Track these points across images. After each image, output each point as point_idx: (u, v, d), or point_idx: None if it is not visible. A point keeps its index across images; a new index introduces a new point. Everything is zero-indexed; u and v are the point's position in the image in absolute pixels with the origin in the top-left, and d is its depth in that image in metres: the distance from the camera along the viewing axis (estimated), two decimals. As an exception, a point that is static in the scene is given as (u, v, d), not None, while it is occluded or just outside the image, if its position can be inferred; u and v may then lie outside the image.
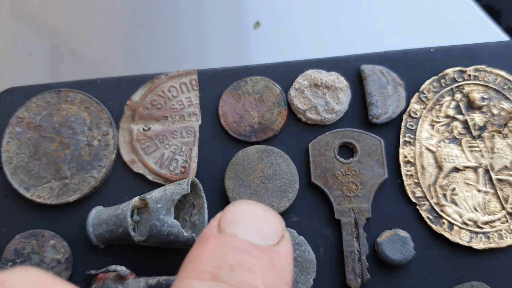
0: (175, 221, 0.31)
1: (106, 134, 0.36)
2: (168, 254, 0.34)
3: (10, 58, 0.50)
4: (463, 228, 0.33)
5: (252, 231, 0.19)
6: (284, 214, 0.34)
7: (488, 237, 0.33)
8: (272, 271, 0.18)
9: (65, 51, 0.49)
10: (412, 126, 0.35)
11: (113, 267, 0.32)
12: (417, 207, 0.34)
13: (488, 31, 0.42)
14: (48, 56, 0.49)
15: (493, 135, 0.34)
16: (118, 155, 0.36)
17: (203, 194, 0.34)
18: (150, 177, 0.35)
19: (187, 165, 0.35)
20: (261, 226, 0.20)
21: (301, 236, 0.34)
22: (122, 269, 0.32)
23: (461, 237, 0.33)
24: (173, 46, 0.42)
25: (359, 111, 0.35)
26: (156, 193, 0.33)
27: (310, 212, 0.34)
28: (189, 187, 0.32)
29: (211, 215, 0.34)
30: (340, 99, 0.35)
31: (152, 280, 0.32)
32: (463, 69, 0.35)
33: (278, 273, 0.18)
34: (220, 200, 0.35)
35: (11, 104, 0.38)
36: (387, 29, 0.39)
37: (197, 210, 0.34)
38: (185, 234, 0.31)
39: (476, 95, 0.35)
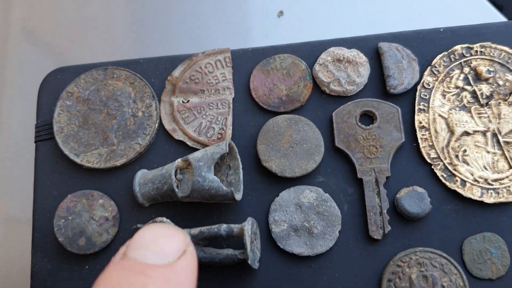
0: (215, 177, 0.35)
1: (149, 106, 0.40)
2: (207, 209, 0.38)
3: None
4: (475, 185, 0.36)
5: (151, 253, 0.21)
6: (311, 175, 0.38)
7: (498, 193, 0.36)
8: (167, 285, 0.20)
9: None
10: (426, 95, 0.39)
11: (159, 218, 0.36)
12: (432, 167, 0.37)
13: (493, 18, 0.46)
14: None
15: (499, 103, 0.38)
16: (161, 125, 0.40)
17: (238, 156, 0.38)
18: (189, 143, 0.39)
19: (223, 132, 0.39)
20: (161, 246, 0.21)
21: (327, 194, 0.37)
22: (167, 221, 0.36)
23: (473, 193, 0.36)
24: (207, 33, 0.46)
25: (378, 84, 0.39)
26: (197, 154, 0.36)
27: (334, 173, 0.38)
28: (227, 148, 0.36)
29: (245, 176, 0.38)
30: (361, 72, 0.39)
31: (194, 231, 0.35)
32: (470, 45, 0.39)
33: (173, 285, 0.20)
34: (253, 163, 0.38)
35: (61, 81, 0.42)
36: (402, 12, 0.43)
37: (233, 171, 0.38)
38: (224, 188, 0.35)
39: (483, 68, 0.39)
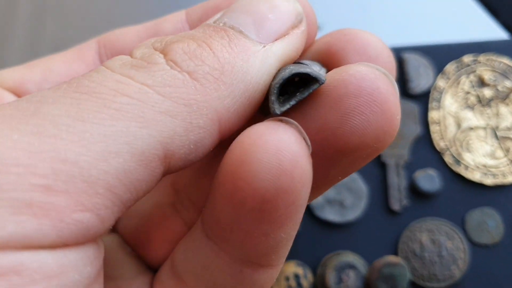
0: None
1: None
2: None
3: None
4: (476, 169, 0.45)
5: (248, 19, 0.17)
6: (343, 158, 0.47)
7: (494, 176, 0.45)
8: (242, 64, 0.16)
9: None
10: (438, 97, 0.47)
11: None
12: (441, 154, 0.46)
13: (495, 33, 0.55)
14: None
15: (498, 104, 0.47)
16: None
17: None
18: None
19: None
20: (263, 17, 0.17)
21: (356, 173, 0.46)
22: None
23: (474, 176, 0.45)
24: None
25: (399, 86, 0.48)
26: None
27: (362, 157, 0.47)
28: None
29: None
30: (385, 76, 0.48)
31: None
32: (476, 57, 0.48)
33: (250, 69, 0.16)
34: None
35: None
36: (420, 26, 0.53)
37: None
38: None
39: (486, 76, 0.48)
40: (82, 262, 0.14)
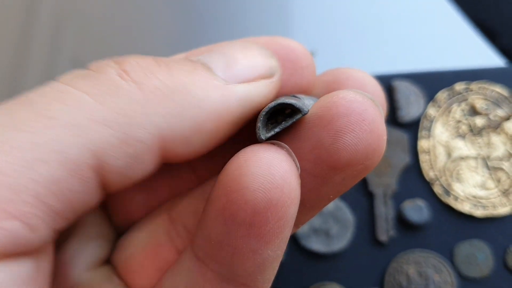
0: None
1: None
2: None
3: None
4: (465, 200, 0.44)
5: (219, 58, 0.18)
6: (330, 187, 0.46)
7: (484, 207, 0.44)
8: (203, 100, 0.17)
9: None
10: (428, 125, 0.47)
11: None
12: (430, 184, 0.45)
13: (493, 59, 0.54)
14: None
15: (489, 133, 0.46)
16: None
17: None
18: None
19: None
20: (235, 58, 0.18)
21: (342, 202, 0.45)
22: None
23: (464, 207, 0.44)
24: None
25: (388, 114, 0.48)
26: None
27: (350, 186, 0.46)
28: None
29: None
30: (374, 104, 0.48)
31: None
32: (468, 85, 0.47)
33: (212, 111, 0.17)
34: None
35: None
36: (412, 53, 0.52)
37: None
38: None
39: (478, 105, 0.47)
40: (12, 281, 0.14)
